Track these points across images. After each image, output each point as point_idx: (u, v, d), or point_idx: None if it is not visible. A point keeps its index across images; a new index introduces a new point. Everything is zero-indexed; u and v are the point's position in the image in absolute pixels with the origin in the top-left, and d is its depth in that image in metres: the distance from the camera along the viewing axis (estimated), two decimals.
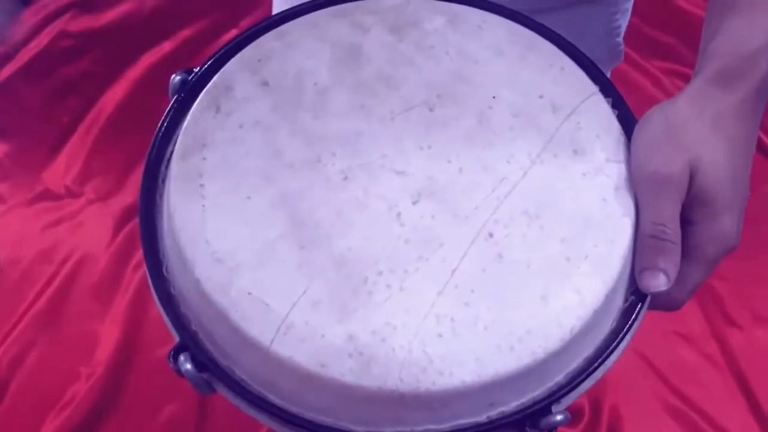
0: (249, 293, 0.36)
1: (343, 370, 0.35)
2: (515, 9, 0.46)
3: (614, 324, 0.39)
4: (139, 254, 1.18)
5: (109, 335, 1.10)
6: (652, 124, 0.41)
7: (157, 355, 1.08)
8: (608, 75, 0.69)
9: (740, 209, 0.40)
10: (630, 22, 0.67)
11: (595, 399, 1.02)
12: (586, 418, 1.02)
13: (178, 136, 0.41)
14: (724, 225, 0.39)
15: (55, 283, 1.15)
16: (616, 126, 0.42)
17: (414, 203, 0.39)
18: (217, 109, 0.41)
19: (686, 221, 0.39)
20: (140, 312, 1.12)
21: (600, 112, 0.42)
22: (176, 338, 0.38)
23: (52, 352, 1.08)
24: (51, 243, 1.20)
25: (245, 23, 1.47)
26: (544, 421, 0.36)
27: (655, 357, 1.07)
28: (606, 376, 0.39)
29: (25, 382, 1.06)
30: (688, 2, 1.47)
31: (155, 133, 0.42)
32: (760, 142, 1.30)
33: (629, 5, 0.65)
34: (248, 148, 0.40)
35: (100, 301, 1.14)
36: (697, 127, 0.39)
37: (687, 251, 0.39)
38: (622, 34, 0.66)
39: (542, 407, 0.36)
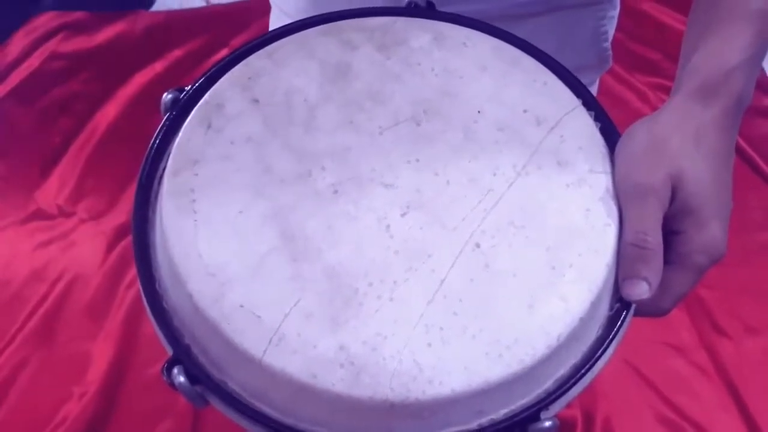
0: (241, 306, 0.37)
1: (335, 380, 0.35)
2: (504, 14, 0.47)
3: (600, 331, 0.40)
4: (132, 273, 1.19)
5: (101, 354, 1.09)
6: (636, 137, 0.42)
7: (149, 373, 1.07)
8: (597, 81, 0.71)
9: (725, 218, 0.40)
10: (615, 37, 0.68)
11: (587, 410, 1.02)
12: (578, 430, 1.02)
13: (170, 152, 0.42)
14: (711, 232, 0.40)
15: (48, 303, 1.15)
16: (598, 138, 0.43)
17: (403, 215, 0.40)
18: (209, 126, 0.42)
19: (673, 231, 0.40)
20: (133, 331, 1.12)
21: (583, 125, 0.43)
22: (169, 352, 0.38)
23: (45, 371, 1.08)
24: (43, 262, 1.20)
25: (236, 42, 1.48)
26: (533, 428, 0.36)
27: (646, 367, 1.07)
28: (597, 386, 0.40)
29: (17, 402, 1.05)
30: (673, 19, 1.50)
31: (147, 150, 0.43)
32: (744, 152, 1.31)
33: (615, 13, 0.67)
34: (239, 164, 0.41)
35: (93, 321, 1.14)
36: (679, 140, 0.40)
37: (675, 259, 0.40)
38: (610, 41, 0.68)
39: (531, 414, 0.37)
